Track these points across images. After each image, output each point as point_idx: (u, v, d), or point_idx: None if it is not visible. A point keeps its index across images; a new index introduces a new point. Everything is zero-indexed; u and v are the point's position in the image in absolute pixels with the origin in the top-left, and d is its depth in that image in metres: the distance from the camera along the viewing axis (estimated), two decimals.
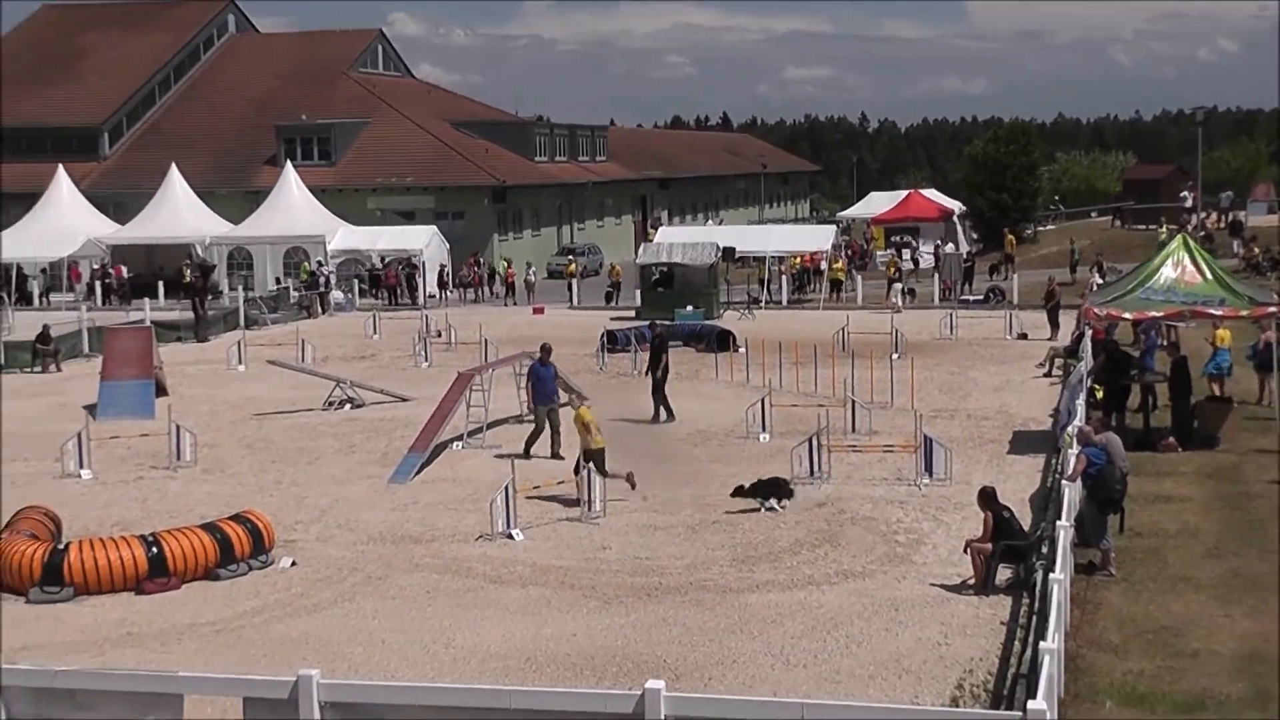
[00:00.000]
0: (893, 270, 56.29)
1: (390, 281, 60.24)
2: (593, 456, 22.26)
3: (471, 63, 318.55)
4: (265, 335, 47.16)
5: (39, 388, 37.08)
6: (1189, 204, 71.17)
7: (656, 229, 68.15)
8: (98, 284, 60.96)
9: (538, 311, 54.00)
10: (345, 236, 63.01)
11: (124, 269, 62.55)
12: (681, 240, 54.31)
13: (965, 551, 17.84)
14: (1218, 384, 28.33)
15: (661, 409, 29.68)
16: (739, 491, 21.90)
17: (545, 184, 77.72)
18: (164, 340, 41.55)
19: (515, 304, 58.17)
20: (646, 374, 30.73)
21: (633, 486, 22.81)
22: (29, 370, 39.88)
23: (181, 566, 18.32)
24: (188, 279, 56.91)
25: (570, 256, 67.90)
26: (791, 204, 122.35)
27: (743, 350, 37.77)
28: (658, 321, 38.44)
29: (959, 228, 69.09)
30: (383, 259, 61.29)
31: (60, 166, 67.97)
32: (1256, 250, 56.96)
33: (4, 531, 19.04)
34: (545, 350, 27.00)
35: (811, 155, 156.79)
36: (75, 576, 17.83)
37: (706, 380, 35.45)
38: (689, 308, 48.20)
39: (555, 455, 25.35)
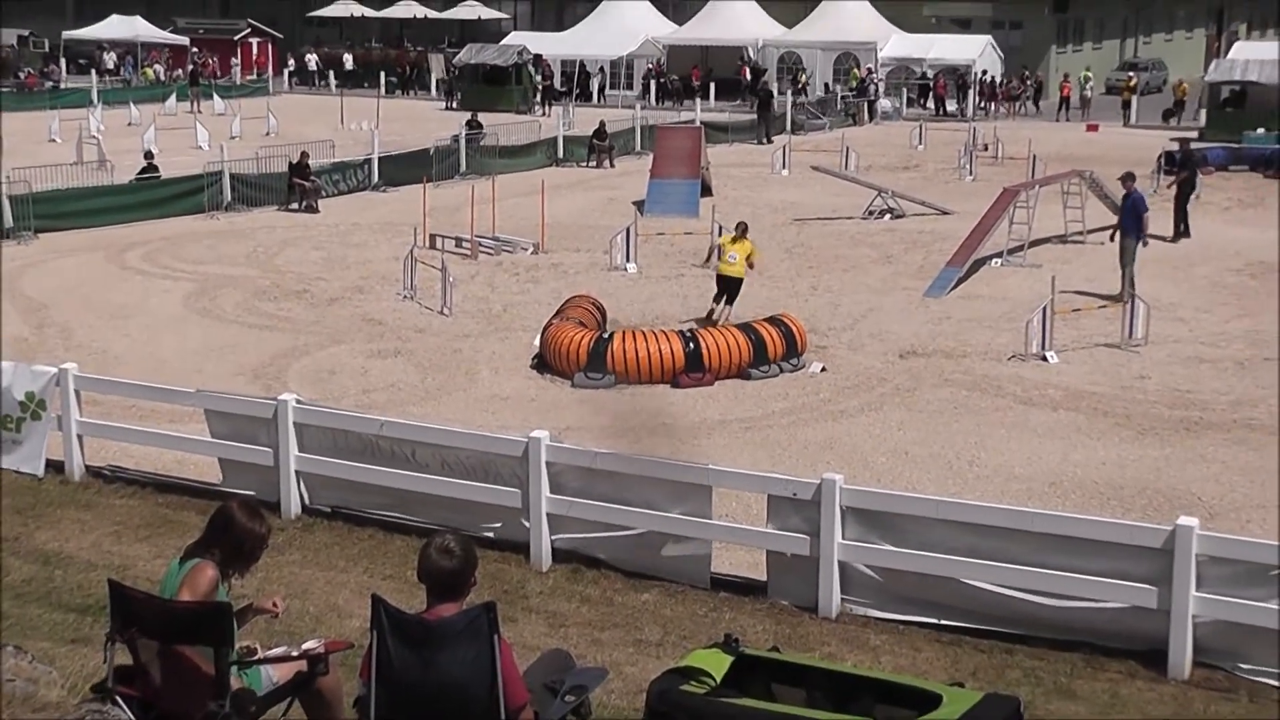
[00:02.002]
0: None
1: (940, 92, 59.24)
2: (721, 281, 21.97)
3: None
4: (810, 141, 47.42)
5: (593, 181, 38.78)
6: None
7: (1231, 44, 63.82)
8: (652, 83, 62.79)
9: (1091, 129, 51.91)
10: (897, 44, 62.21)
11: (700, 70, 63.87)
12: (1260, 57, 50.68)
13: None
14: None
15: (1181, 225, 29.02)
16: None
17: None
18: (714, 141, 42.50)
19: (1069, 120, 56.08)
20: (1169, 187, 30.08)
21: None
22: (584, 164, 41.71)
23: (716, 363, 18.82)
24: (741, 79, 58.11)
25: (1130, 72, 64.58)
26: None
27: None
28: (1188, 142, 36.38)
29: None
30: (933, 68, 60.25)
31: None
32: None
33: (554, 318, 20.08)
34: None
35: None
36: (617, 365, 18.62)
37: (1270, 208, 33.22)
38: (1260, 130, 45.07)
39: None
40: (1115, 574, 10.16)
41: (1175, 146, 41.33)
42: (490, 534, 12.04)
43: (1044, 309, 20.01)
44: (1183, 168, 30.37)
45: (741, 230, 22.54)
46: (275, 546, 9.82)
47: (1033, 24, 68.98)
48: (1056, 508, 13.83)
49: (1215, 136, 45.51)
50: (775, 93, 54.03)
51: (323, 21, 78.04)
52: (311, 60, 70.55)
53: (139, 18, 72.85)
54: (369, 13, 77.29)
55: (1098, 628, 10.29)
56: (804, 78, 60.77)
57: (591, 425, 16.91)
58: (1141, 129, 52.14)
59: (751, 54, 64.09)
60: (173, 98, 56.84)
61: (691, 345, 18.80)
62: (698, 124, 41.31)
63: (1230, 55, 54.01)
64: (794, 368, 19.33)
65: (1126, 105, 55.42)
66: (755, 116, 51.04)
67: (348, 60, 70.60)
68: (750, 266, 22.20)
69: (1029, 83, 61.27)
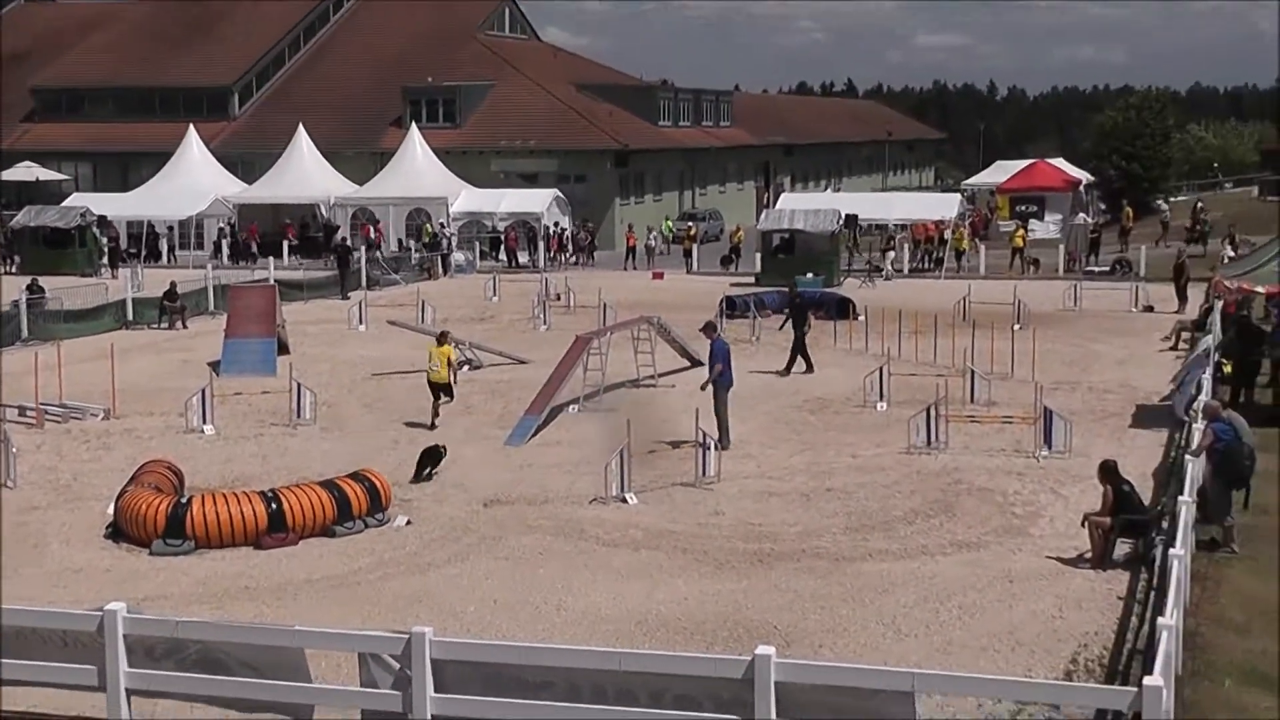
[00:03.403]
0: (1019, 240, 55.30)
1: (511, 244, 60.57)
2: (431, 387, 26.02)
3: (598, 27, 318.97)
4: (386, 296, 47.63)
5: (165, 343, 37.77)
6: None
7: (778, 195, 67.83)
8: (224, 242, 61.95)
9: (657, 276, 53.99)
10: (468, 199, 63.42)
11: (294, 228, 63.29)
12: (804, 207, 54.07)
13: (1083, 525, 17.59)
14: None
15: (802, 361, 31.07)
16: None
17: (668, 148, 77.52)
18: (290, 299, 42.18)
19: (635, 268, 58.18)
20: (781, 327, 32.17)
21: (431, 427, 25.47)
22: (156, 326, 40.60)
23: (300, 523, 18.58)
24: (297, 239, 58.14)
25: (690, 222, 67.66)
26: (916, 172, 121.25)
27: (862, 319, 37.48)
28: (795, 284, 38.71)
29: (1084, 198, 68.10)
30: (503, 221, 61.66)
31: (191, 127, 69.19)
32: None
33: (129, 485, 19.44)
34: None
35: (938, 123, 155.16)
36: (197, 530, 18.15)
37: (825, 348, 35.15)
38: (809, 275, 47.80)
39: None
40: (703, 705, 10.51)
41: (735, 291, 43.63)
42: (70, 714, 11.50)
43: (621, 452, 20.61)
44: (800, 309, 32.04)
45: (441, 337, 26.75)
46: None
47: (596, 177, 71.64)
48: (643, 646, 14.23)
49: (769, 281, 48.04)
50: (351, 248, 54.15)
51: None
52: None
53: None
54: None
55: None
56: (437, 231, 60.84)
57: (173, 594, 16.40)
58: (703, 275, 54.56)
59: (324, 211, 64.13)
60: None
61: (274, 505, 18.51)
62: (271, 282, 40.92)
63: (778, 205, 57.32)
64: (379, 522, 19.27)
65: (688, 253, 57.92)
66: (331, 273, 50.95)
67: None
68: (451, 366, 26.07)
69: (587, 233, 63.29)
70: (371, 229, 61.80)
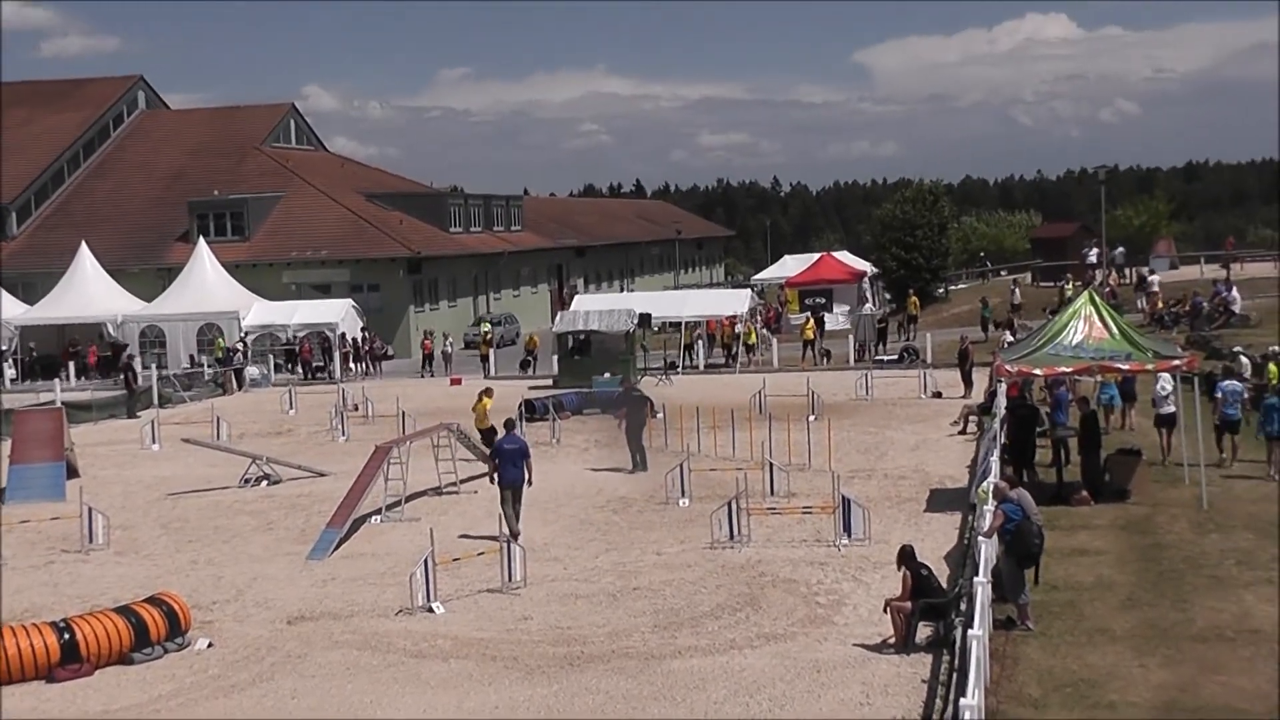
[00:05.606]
0: (810, 332, 56.49)
1: (306, 356, 59.93)
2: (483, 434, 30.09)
3: (386, 135, 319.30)
4: (180, 413, 46.71)
5: None
6: (1093, 260, 72.28)
7: (572, 297, 68.26)
8: (5, 365, 60.22)
9: (455, 382, 53.81)
10: (260, 312, 62.66)
11: (135, 359, 61.52)
12: (598, 307, 54.49)
13: (885, 611, 17.94)
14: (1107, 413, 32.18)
15: (638, 457, 31.52)
16: None
17: (460, 254, 77.69)
18: (78, 421, 41.08)
19: (432, 375, 57.96)
20: (620, 425, 32.75)
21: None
22: None
23: (95, 652, 18.03)
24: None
25: (486, 327, 67.69)
26: (707, 269, 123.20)
27: (661, 416, 37.79)
28: (629, 380, 39.21)
29: (869, 289, 70.05)
30: (298, 333, 61.03)
31: None
32: (1160, 304, 58.11)
33: None
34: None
35: (725, 220, 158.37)
36: None
37: (620, 446, 35.42)
38: (606, 374, 48.18)
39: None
40: None
41: (533, 395, 43.69)
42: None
43: (425, 561, 20.46)
44: (628, 402, 32.61)
45: (482, 392, 31.60)
46: None
47: (390, 286, 71.46)
48: None
49: (567, 383, 48.30)
50: (140, 368, 53.01)
51: None
52: None
53: None
54: None
55: None
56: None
57: None
58: (502, 379, 54.55)
59: (112, 330, 62.75)
60: None
61: (66, 635, 17.94)
62: (58, 404, 39.83)
63: (573, 307, 57.70)
64: (180, 647, 18.80)
65: (485, 359, 57.91)
66: (120, 392, 49.81)
67: None
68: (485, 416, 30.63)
69: (379, 342, 62.92)
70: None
